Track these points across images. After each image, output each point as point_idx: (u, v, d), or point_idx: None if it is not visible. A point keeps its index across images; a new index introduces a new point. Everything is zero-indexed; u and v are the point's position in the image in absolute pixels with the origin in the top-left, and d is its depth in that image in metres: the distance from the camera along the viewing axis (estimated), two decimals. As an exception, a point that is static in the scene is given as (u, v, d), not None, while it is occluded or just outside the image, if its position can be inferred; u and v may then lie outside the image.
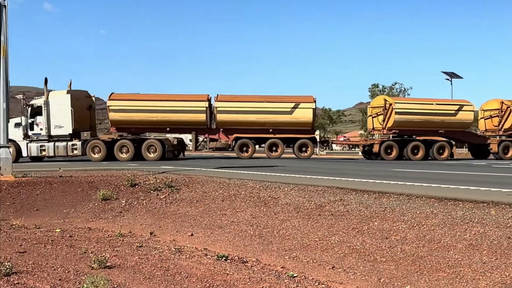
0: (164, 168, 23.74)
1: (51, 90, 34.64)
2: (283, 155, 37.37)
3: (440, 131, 38.20)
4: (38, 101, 34.64)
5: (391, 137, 38.07)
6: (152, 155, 34.12)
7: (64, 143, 33.74)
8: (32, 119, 34.23)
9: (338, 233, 10.96)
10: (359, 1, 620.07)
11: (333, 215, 12.12)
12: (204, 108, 35.89)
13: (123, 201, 15.97)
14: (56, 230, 11.96)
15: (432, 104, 38.72)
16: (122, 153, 34.22)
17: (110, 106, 35.70)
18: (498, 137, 39.31)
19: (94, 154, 34.06)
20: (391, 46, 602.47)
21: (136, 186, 17.26)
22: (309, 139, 36.73)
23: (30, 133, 34.29)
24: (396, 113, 37.14)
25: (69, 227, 12.79)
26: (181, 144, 37.56)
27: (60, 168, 22.05)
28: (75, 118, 33.48)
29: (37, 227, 12.66)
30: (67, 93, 33.92)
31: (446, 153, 37.33)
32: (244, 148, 36.50)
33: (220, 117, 36.27)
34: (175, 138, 37.00)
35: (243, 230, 12.13)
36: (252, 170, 22.81)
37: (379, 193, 13.38)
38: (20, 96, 37.09)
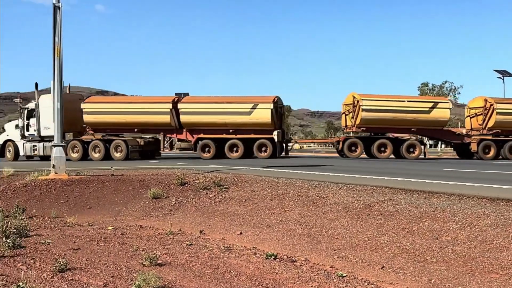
0: (213, 167, 23.95)
1: (41, 93, 36.65)
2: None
3: (412, 129, 37.54)
4: (31, 104, 37.55)
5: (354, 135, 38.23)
6: (118, 155, 35.99)
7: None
8: (28, 121, 37.34)
9: (388, 233, 10.90)
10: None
11: (382, 215, 12.05)
12: (168, 110, 36.62)
13: (173, 200, 16.20)
14: (108, 228, 12.20)
15: (404, 101, 37.97)
16: (95, 152, 36.27)
17: (83, 108, 36.99)
18: (479, 136, 37.84)
19: (73, 153, 36.26)
20: (442, 44, 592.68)
21: (186, 185, 17.48)
22: (267, 139, 36.34)
23: (26, 133, 37.45)
24: (363, 110, 36.72)
25: (121, 225, 13.03)
26: (155, 144, 38.67)
27: (111, 167, 22.48)
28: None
29: (90, 224, 12.94)
30: None
31: (416, 152, 36.90)
32: (206, 149, 36.64)
33: (183, 118, 36.93)
34: (145, 138, 38.27)
35: (291, 229, 12.17)
36: (300, 169, 22.82)
37: (429, 193, 13.24)
38: (17, 100, 40.20)
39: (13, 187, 17.81)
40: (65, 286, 6.82)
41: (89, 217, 14.59)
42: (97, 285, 6.88)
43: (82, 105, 37.07)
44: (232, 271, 8.01)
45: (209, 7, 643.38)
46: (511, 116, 37.03)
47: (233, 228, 12.77)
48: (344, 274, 8.30)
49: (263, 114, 35.98)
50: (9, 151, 38.23)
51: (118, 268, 7.84)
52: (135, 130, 37.67)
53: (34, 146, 36.91)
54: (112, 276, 7.34)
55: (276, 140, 36.25)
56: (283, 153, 38.12)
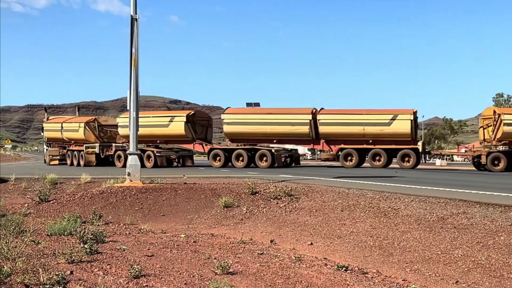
0: (283, 176, 24.00)
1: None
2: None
3: None
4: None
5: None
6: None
7: None
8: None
9: (462, 246, 10.67)
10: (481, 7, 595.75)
11: (456, 228, 11.80)
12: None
13: (244, 209, 16.34)
14: (181, 235, 12.41)
15: None
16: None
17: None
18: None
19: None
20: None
21: (257, 194, 17.60)
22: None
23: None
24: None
25: (193, 233, 13.24)
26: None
27: (184, 175, 22.85)
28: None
29: (163, 231, 13.21)
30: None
31: None
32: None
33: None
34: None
35: (362, 240, 12.07)
36: (370, 180, 22.59)
37: (505, 206, 12.87)
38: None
39: (90, 194, 18.39)
40: (140, 292, 6.99)
41: (162, 225, 14.89)
42: (171, 292, 7.02)
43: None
44: (303, 282, 8.02)
45: (284, 16, 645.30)
46: None
47: (303, 238, 12.77)
48: (417, 288, 8.18)
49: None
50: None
51: (191, 276, 7.96)
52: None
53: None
54: (185, 284, 7.45)
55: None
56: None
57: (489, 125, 36.82)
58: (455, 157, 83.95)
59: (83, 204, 17.39)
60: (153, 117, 42.04)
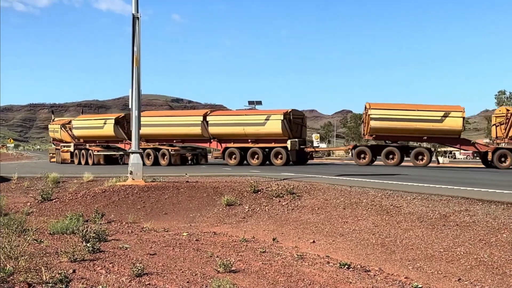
0: (285, 175, 24.00)
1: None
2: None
3: None
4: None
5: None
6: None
7: None
8: None
9: (464, 244, 10.66)
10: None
11: (458, 225, 11.79)
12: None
13: (246, 207, 16.35)
14: (183, 234, 12.43)
15: None
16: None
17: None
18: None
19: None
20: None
21: (259, 193, 17.61)
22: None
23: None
24: None
25: (195, 231, 13.25)
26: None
27: (186, 174, 22.87)
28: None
29: (166, 230, 13.22)
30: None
31: None
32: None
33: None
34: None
35: (365, 238, 12.07)
36: (373, 178, 22.58)
37: (507, 204, 12.85)
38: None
39: (93, 193, 18.41)
40: (143, 290, 7.00)
41: (165, 223, 14.90)
42: (173, 290, 7.03)
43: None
44: (305, 280, 8.02)
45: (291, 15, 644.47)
46: None
47: (306, 236, 12.77)
48: (420, 286, 8.18)
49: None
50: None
51: (193, 274, 7.97)
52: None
53: None
54: (188, 282, 7.46)
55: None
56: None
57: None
58: (457, 154, 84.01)
59: (86, 203, 17.41)
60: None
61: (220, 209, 16.46)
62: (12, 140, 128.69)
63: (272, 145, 38.93)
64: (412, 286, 8.18)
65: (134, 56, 19.92)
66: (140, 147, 39.71)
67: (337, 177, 22.92)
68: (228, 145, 40.21)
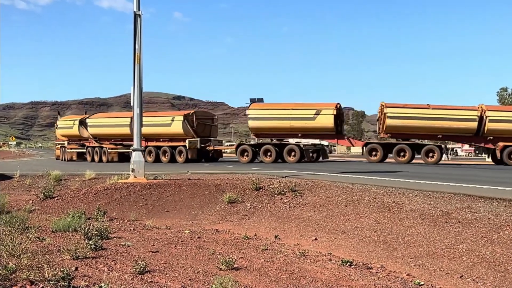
0: (287, 172, 23.99)
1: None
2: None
3: None
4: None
5: None
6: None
7: None
8: None
9: (466, 241, 10.65)
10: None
11: (460, 222, 11.78)
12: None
13: (248, 204, 16.35)
14: (185, 231, 12.43)
15: None
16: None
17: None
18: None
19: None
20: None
21: (261, 190, 17.60)
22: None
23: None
24: None
25: (197, 229, 13.25)
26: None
27: (188, 171, 22.87)
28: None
29: (168, 227, 13.23)
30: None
31: None
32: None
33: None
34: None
35: (367, 235, 12.07)
36: (375, 175, 22.55)
37: (509, 200, 12.83)
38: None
39: (95, 190, 18.43)
40: (145, 288, 7.00)
41: (167, 220, 14.91)
42: (175, 287, 7.03)
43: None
44: (307, 277, 8.03)
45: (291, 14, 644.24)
46: None
47: (308, 233, 12.78)
48: (422, 283, 8.18)
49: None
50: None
51: (196, 271, 7.98)
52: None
53: None
54: (190, 279, 7.47)
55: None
56: None
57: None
58: (459, 152, 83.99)
59: (88, 201, 17.43)
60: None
61: (222, 206, 16.46)
62: (14, 138, 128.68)
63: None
64: (414, 283, 8.18)
65: (136, 54, 19.91)
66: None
67: (338, 175, 22.91)
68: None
